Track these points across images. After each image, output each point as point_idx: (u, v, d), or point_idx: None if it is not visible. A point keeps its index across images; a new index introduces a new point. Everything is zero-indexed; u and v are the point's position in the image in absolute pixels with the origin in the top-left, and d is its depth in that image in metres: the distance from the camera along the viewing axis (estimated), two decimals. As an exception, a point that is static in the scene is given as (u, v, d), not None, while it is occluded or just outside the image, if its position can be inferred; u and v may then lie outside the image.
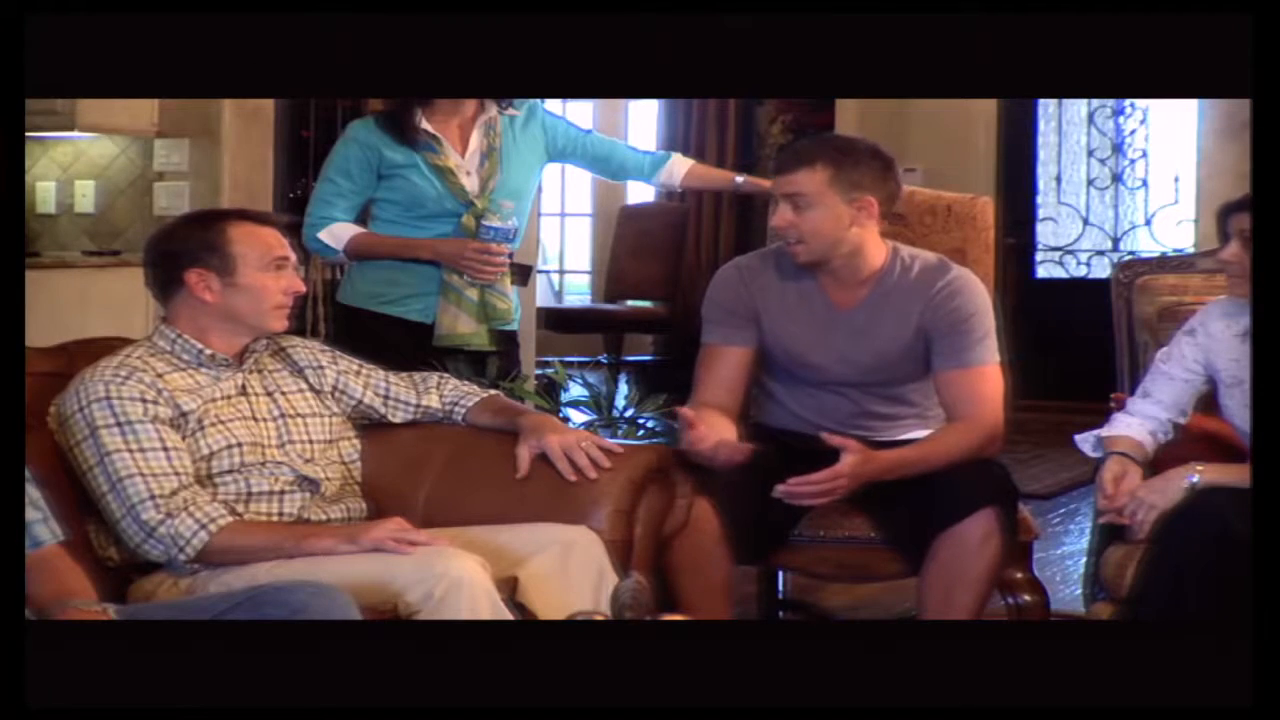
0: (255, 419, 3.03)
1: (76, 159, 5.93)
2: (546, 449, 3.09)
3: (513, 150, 3.97)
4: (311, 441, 3.08)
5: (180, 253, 3.01)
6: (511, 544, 2.93)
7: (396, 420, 3.24)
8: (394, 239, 3.93)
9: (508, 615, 2.72)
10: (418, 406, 3.25)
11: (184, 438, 2.92)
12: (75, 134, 5.75)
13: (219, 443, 2.95)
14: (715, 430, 3.24)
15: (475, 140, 3.94)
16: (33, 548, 2.50)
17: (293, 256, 3.08)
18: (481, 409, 3.25)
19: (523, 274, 4.09)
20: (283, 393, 3.10)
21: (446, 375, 3.35)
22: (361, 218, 4.01)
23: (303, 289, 3.08)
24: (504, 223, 3.87)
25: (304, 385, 3.14)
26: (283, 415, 3.07)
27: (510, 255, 3.92)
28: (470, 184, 3.91)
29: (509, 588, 2.83)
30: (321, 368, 3.18)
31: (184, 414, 2.93)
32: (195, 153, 5.73)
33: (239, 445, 2.97)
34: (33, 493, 2.54)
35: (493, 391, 3.36)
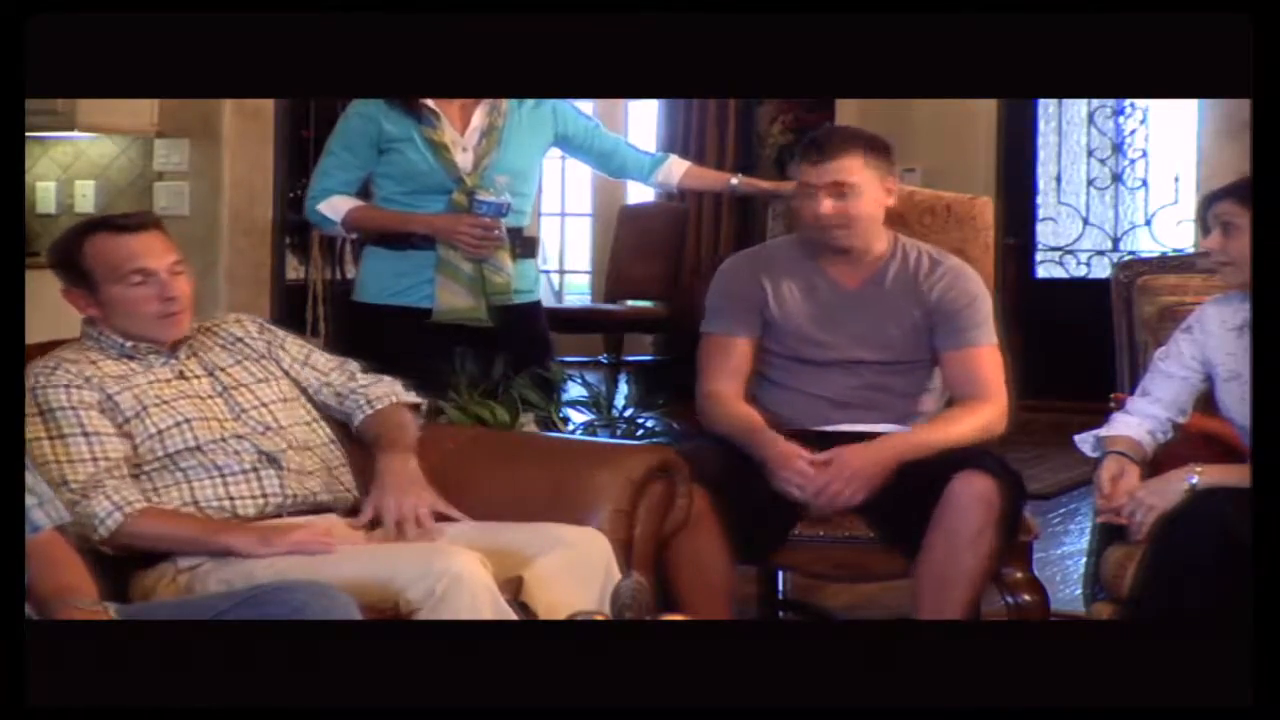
0: (200, 397, 3.03)
1: (76, 159, 5.92)
2: (383, 512, 2.98)
3: (515, 131, 3.96)
4: (263, 404, 3.08)
5: (56, 270, 3.01)
6: (516, 544, 2.92)
7: (304, 385, 3.19)
8: (390, 213, 3.95)
9: (509, 613, 2.71)
10: (325, 383, 3.21)
11: (124, 422, 2.92)
12: (75, 134, 5.73)
13: (165, 420, 2.95)
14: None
15: (477, 118, 3.95)
16: (32, 533, 2.50)
17: (162, 262, 2.96)
18: (375, 420, 3.16)
19: (528, 246, 4.07)
20: (220, 368, 3.10)
21: (380, 376, 3.27)
22: (364, 195, 4.02)
23: (181, 291, 2.97)
24: (497, 197, 3.86)
25: (239, 357, 3.15)
26: (225, 389, 3.07)
27: (511, 229, 3.90)
28: (463, 160, 3.90)
29: (514, 588, 2.82)
30: (252, 337, 3.19)
31: (110, 396, 2.92)
32: (195, 153, 5.72)
33: (187, 421, 2.96)
34: (29, 478, 2.55)
35: (409, 398, 3.26)
